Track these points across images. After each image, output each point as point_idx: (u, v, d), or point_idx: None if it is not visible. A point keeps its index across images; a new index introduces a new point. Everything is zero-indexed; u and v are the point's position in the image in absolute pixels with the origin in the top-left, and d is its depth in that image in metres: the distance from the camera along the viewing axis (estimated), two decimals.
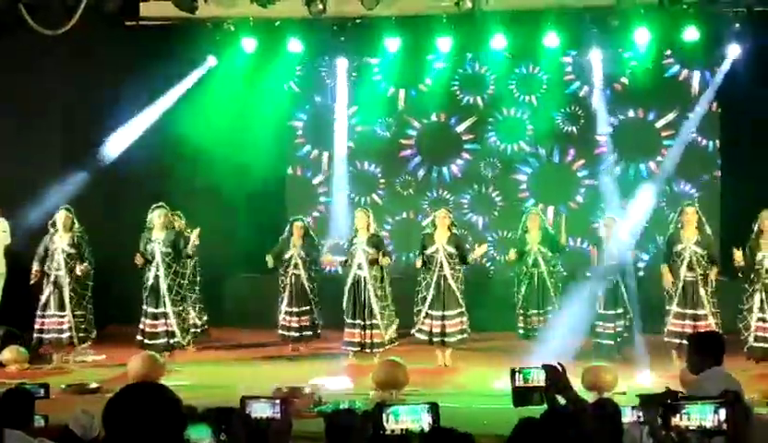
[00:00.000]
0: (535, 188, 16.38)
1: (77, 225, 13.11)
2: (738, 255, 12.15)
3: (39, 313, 13.04)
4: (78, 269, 12.97)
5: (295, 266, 13.76)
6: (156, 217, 12.81)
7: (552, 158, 16.40)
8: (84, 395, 10.77)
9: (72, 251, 13.02)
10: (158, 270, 12.72)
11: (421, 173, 16.70)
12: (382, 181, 16.75)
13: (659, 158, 16.02)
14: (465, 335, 13.01)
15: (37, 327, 13.04)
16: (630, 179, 15.91)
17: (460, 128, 16.63)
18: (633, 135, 16.15)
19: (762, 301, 12.21)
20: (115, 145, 15.23)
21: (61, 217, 12.99)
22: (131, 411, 3.23)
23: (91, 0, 13.06)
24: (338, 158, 16.37)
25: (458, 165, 16.64)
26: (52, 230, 13.02)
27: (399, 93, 16.63)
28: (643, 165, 16.13)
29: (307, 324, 13.80)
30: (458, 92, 16.54)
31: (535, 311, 13.47)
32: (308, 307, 13.80)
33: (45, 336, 13.06)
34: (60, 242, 13.00)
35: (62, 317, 13.02)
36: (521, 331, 13.63)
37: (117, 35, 14.87)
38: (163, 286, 12.72)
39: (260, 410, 5.55)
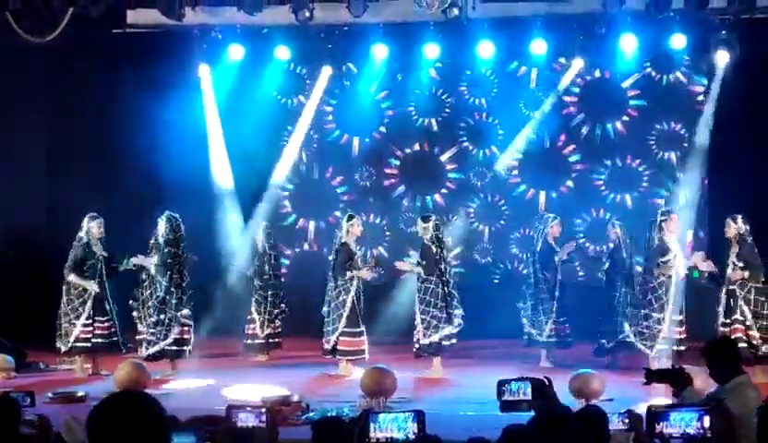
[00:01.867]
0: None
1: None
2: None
3: (85, 320, 12.80)
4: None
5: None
6: (96, 226, 12.80)
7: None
8: (70, 404, 10.70)
9: (106, 256, 13.00)
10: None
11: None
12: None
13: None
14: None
15: (79, 335, 12.77)
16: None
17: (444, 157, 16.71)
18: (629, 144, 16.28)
19: (727, 306, 12.22)
20: (107, 152, 15.23)
21: (98, 225, 12.91)
22: (114, 420, 3.22)
23: (78, 8, 13.09)
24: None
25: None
26: (85, 238, 12.90)
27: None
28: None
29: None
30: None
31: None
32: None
33: (97, 341, 12.85)
34: (98, 249, 12.93)
35: (109, 322, 12.95)
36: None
37: (104, 43, 14.84)
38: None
39: (246, 419, 5.54)
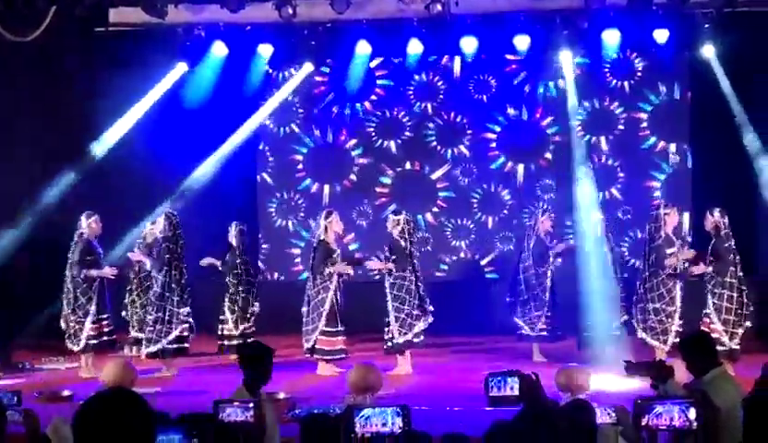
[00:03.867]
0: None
1: None
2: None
3: (93, 318, 12.71)
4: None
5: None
6: (95, 223, 12.78)
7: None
8: (56, 403, 10.66)
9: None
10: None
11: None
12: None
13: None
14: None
15: (89, 333, 12.71)
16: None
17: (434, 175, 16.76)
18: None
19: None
20: (88, 150, 15.19)
21: (96, 222, 12.85)
22: (100, 418, 3.20)
23: (61, 6, 13.05)
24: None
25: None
26: (86, 234, 12.79)
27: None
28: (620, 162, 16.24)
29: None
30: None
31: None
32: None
33: (103, 339, 12.85)
34: (98, 246, 12.94)
35: (109, 319, 12.98)
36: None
37: (87, 41, 14.79)
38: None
39: (233, 414, 5.54)
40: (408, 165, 16.74)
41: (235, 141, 15.97)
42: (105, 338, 12.87)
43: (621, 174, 16.25)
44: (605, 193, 16.00)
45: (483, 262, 16.51)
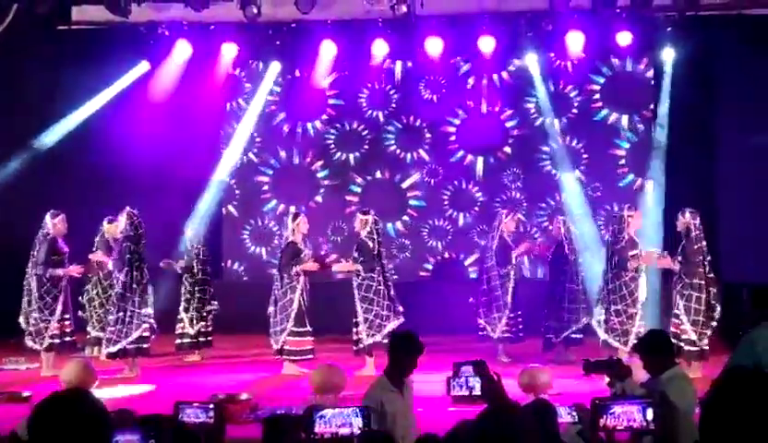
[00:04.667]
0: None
1: None
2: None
3: (58, 317, 12.64)
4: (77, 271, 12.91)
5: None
6: (61, 222, 12.71)
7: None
8: (16, 403, 10.55)
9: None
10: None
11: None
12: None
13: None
14: None
15: (53, 332, 12.62)
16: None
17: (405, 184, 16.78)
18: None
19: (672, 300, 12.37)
20: (45, 142, 15.11)
21: (62, 221, 12.73)
22: (55, 419, 3.18)
23: (23, 3, 12.95)
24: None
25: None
26: (51, 234, 12.69)
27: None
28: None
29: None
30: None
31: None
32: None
33: (66, 339, 12.80)
34: (63, 245, 12.83)
35: (70, 319, 12.93)
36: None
37: (49, 39, 14.70)
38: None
39: (194, 415, 5.50)
40: (378, 174, 16.76)
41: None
42: (68, 338, 12.81)
43: (585, 156, 16.29)
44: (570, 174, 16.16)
45: (467, 263, 16.50)
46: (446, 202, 16.63)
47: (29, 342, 12.71)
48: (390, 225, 16.39)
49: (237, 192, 16.89)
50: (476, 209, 16.56)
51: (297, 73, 16.44)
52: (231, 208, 16.89)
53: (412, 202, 16.69)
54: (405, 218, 16.70)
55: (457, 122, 16.56)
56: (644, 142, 16.08)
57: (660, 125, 15.61)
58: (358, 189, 16.76)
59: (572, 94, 16.31)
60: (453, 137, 16.59)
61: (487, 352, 13.26)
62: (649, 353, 6.54)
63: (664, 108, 15.49)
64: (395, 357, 6.97)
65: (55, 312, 12.61)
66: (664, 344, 6.63)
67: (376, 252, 12.67)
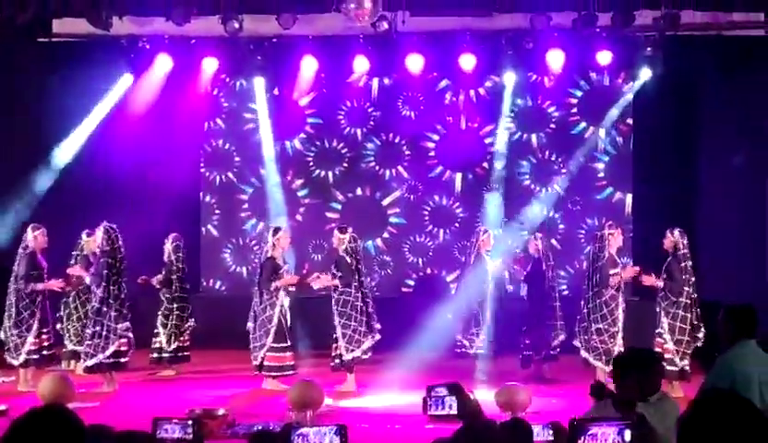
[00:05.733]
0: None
1: None
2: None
3: (36, 332, 12.63)
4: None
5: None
6: (41, 236, 12.71)
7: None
8: None
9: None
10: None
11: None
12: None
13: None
14: None
15: (30, 347, 12.61)
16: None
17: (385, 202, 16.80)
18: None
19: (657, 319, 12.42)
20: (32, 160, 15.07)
21: (42, 235, 12.70)
22: (32, 436, 3.17)
23: (2, 15, 12.92)
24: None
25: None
26: (31, 247, 12.65)
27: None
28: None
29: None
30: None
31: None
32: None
33: (43, 353, 12.80)
34: (43, 260, 12.83)
35: (49, 333, 12.95)
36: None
37: (30, 51, 14.67)
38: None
39: (172, 431, 5.49)
40: (358, 191, 16.77)
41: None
42: (45, 352, 12.77)
43: (564, 170, 16.35)
44: (548, 189, 16.27)
45: (448, 279, 16.49)
46: (426, 218, 16.66)
47: (7, 357, 12.68)
48: (369, 242, 16.40)
49: (217, 212, 16.84)
50: (456, 224, 16.58)
51: (276, 91, 16.45)
52: (210, 227, 16.83)
53: (392, 219, 16.71)
54: (386, 235, 16.70)
55: (436, 138, 16.61)
56: (623, 156, 16.19)
57: (639, 141, 15.74)
58: (338, 206, 16.75)
59: (550, 109, 16.40)
60: (432, 153, 16.64)
61: (466, 368, 13.30)
62: (639, 370, 6.41)
63: (643, 124, 15.64)
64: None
65: (32, 328, 12.58)
66: (653, 365, 6.52)
67: (354, 268, 12.69)
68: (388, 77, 16.38)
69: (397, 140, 16.68)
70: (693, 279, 12.16)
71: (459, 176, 16.60)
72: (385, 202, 16.71)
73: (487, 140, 16.52)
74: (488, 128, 16.50)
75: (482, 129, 16.56)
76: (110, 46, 14.69)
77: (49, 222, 13.11)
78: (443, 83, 16.46)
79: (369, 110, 16.68)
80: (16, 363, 12.59)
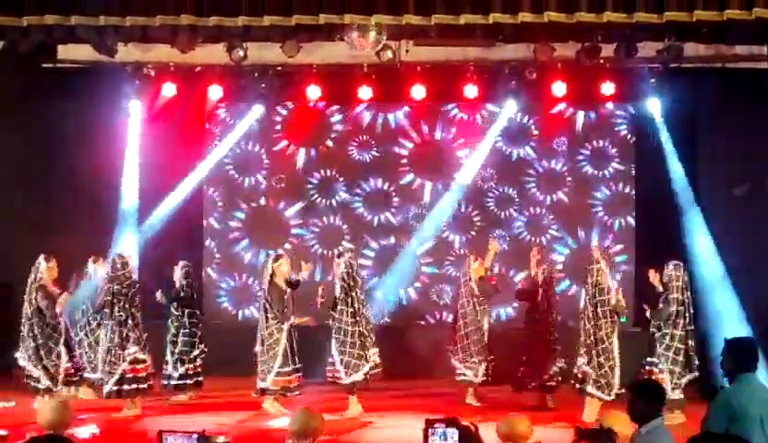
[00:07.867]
0: None
1: None
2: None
3: (65, 357, 13.02)
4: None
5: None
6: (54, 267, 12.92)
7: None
8: None
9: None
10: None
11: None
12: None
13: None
14: None
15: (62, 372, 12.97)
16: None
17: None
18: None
19: (648, 347, 12.48)
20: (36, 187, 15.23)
21: (55, 266, 12.92)
22: None
23: (7, 41, 13.00)
24: None
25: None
26: (44, 279, 12.83)
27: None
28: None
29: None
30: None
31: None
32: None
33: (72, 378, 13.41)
34: (55, 290, 13.00)
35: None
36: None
37: (34, 77, 14.75)
38: None
39: None
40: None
41: None
42: (84, 374, 13.45)
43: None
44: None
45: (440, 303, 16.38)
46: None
47: (38, 384, 12.78)
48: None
49: (217, 256, 16.70)
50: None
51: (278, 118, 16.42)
52: (210, 270, 16.68)
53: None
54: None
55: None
56: (622, 192, 16.16)
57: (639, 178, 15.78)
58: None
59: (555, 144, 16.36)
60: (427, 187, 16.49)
61: (459, 395, 13.30)
62: (642, 397, 6.36)
63: (644, 158, 15.67)
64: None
65: (62, 354, 12.88)
66: (656, 393, 6.46)
67: (346, 293, 12.78)
68: (395, 107, 16.24)
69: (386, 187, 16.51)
70: (691, 311, 12.24)
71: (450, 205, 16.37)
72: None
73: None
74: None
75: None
76: (115, 73, 14.72)
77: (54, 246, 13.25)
78: (453, 110, 16.31)
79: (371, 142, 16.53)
80: (55, 389, 12.76)
